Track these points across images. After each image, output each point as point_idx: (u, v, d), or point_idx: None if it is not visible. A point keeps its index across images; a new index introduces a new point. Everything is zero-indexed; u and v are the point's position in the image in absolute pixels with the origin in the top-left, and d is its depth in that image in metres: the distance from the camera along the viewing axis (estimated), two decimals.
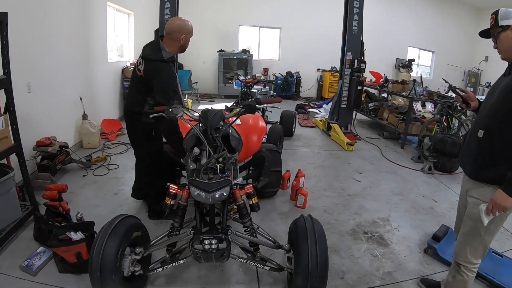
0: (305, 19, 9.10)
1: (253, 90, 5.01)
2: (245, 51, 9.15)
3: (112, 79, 6.11)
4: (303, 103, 8.10)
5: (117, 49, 6.66)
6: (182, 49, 2.55)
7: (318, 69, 9.51)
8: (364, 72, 5.21)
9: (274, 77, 9.14)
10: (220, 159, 1.97)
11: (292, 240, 1.97)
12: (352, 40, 5.16)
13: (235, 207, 2.10)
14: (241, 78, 5.12)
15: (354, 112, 5.65)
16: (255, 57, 9.54)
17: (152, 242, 2.04)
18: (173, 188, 1.95)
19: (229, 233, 1.87)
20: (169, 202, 1.95)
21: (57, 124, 3.99)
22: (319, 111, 6.77)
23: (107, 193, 3.36)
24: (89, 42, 4.81)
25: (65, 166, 3.86)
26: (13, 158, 2.74)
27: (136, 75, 2.51)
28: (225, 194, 1.77)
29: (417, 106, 5.67)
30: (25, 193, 2.80)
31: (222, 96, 9.30)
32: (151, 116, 2.15)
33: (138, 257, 1.91)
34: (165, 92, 2.35)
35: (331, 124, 5.46)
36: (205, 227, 1.94)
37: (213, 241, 1.77)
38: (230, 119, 2.24)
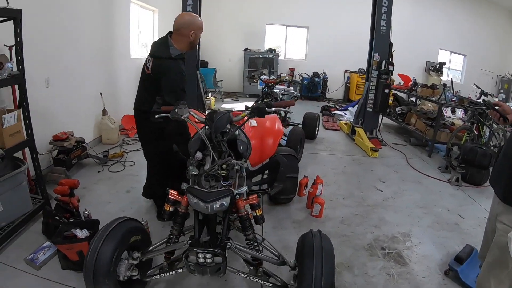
0: (333, 18, 8.90)
1: (275, 90, 4.89)
2: (271, 50, 9.06)
3: (134, 75, 6.18)
4: (328, 104, 7.89)
5: (141, 46, 6.79)
6: (192, 45, 2.48)
7: (346, 70, 9.28)
8: (391, 74, 4.98)
9: (300, 77, 8.97)
10: (224, 166, 1.85)
11: (298, 257, 1.84)
12: (380, 40, 4.95)
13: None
14: (263, 77, 5.03)
15: (380, 116, 5.39)
16: (281, 57, 9.43)
17: (151, 248, 1.98)
18: (172, 194, 1.88)
19: (228, 246, 1.76)
20: (167, 209, 1.88)
21: (75, 119, 4.10)
22: (345, 114, 6.54)
23: (119, 190, 3.40)
24: (111, 38, 4.92)
25: (81, 161, 3.95)
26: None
27: (144, 73, 2.48)
28: (225, 204, 1.67)
29: (447, 112, 5.35)
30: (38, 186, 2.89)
31: (247, 95, 9.28)
32: (156, 116, 2.11)
33: (135, 262, 1.87)
34: (173, 91, 2.30)
35: (355, 128, 5.24)
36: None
37: (208, 255, 1.67)
38: (245, 122, 2.13)
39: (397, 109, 6.23)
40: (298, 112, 5.42)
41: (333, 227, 2.88)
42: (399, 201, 3.44)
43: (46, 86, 3.48)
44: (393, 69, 4.89)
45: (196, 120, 2.12)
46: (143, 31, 6.78)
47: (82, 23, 4.13)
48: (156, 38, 6.93)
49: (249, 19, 9.19)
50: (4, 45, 2.44)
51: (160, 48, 2.38)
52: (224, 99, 8.65)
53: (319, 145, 5.14)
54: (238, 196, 1.78)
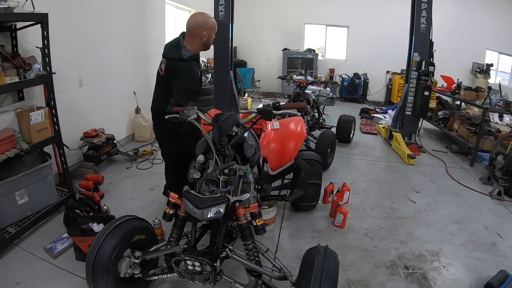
0: (375, 16, 8.46)
1: (307, 91, 4.75)
2: (310, 50, 8.91)
3: None
4: (368, 107, 7.56)
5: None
6: (206, 46, 2.48)
7: (388, 72, 8.81)
8: (432, 75, 4.61)
9: (341, 78, 8.70)
10: (226, 171, 1.82)
11: (299, 273, 1.75)
12: (420, 39, 4.60)
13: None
14: (297, 77, 4.93)
15: (420, 121, 5.02)
16: (321, 57, 9.22)
17: (153, 248, 2.00)
18: (172, 196, 1.88)
19: (223, 255, 1.74)
20: (167, 211, 1.89)
21: (108, 117, 4.36)
22: (384, 117, 6.16)
23: (143, 188, 3.54)
24: (146, 38, 5.17)
25: (112, 157, 4.20)
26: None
27: (159, 75, 2.53)
28: (221, 211, 1.64)
29: (494, 117, 4.79)
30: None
31: (286, 96, 9.14)
32: (166, 117, 2.15)
33: (137, 261, 1.92)
34: (184, 93, 2.31)
35: (393, 133, 4.92)
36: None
37: (196, 263, 1.66)
38: (253, 124, 2.09)
39: (439, 113, 5.77)
40: (335, 115, 5.25)
41: (355, 240, 2.72)
42: (432, 215, 3.15)
43: (79, 85, 3.76)
44: (434, 69, 4.53)
45: (205, 122, 2.13)
46: (180, 31, 7.04)
47: (115, 24, 4.38)
48: None
49: (288, 18, 9.10)
50: (36, 46, 2.66)
51: (172, 49, 2.41)
52: (262, 99, 8.65)
53: (354, 150, 4.92)
54: (238, 203, 1.73)
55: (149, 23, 5.22)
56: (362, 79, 8.64)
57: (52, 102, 2.74)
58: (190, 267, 1.67)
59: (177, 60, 2.36)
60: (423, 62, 4.58)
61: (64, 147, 3.44)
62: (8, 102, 2.76)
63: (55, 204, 2.87)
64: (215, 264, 1.64)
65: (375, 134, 5.73)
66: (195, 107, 2.03)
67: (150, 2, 5.29)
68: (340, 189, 3.13)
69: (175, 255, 1.70)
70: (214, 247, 1.77)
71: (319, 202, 3.28)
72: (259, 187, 2.62)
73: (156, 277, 1.98)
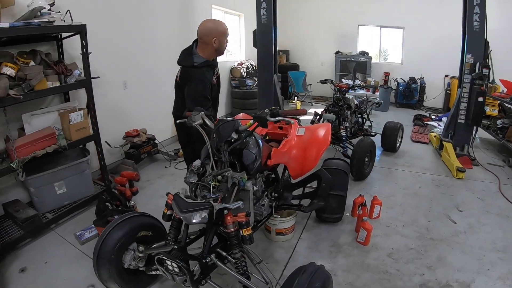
0: (432, 17, 7.72)
1: (349, 96, 4.56)
2: (363, 53, 8.51)
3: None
4: (422, 114, 6.96)
5: (226, 49, 7.34)
6: (219, 52, 2.56)
7: (446, 76, 7.97)
8: (488, 79, 4.10)
9: (396, 83, 8.14)
10: (219, 177, 1.87)
11: None
12: (473, 39, 4.10)
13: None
14: (346, 81, 4.75)
15: (474, 130, 4.47)
16: (375, 60, 8.75)
17: (154, 245, 2.10)
18: (170, 198, 1.97)
19: (208, 261, 1.80)
20: (165, 212, 2.01)
21: (152, 118, 4.73)
22: (439, 125, 5.57)
23: (176, 187, 3.73)
24: (190, 42, 5.48)
25: (154, 156, 4.57)
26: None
27: (176, 81, 2.66)
28: (206, 217, 1.69)
29: None
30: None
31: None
32: (177, 122, 2.32)
33: (140, 255, 2.06)
34: (194, 98, 2.40)
35: (443, 142, 4.44)
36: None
37: (174, 264, 1.74)
38: (253, 130, 2.11)
39: (498, 122, 5.06)
40: (386, 121, 4.98)
41: (376, 259, 2.53)
42: (472, 239, 2.78)
43: (123, 88, 4.19)
44: (490, 73, 3.99)
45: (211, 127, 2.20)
46: (230, 35, 7.30)
47: (161, 30, 4.74)
48: (243, 42, 7.45)
49: (342, 20, 8.82)
50: (80, 53, 3.01)
51: (185, 57, 2.53)
52: (314, 104, 8.52)
53: (399, 159, 4.58)
54: (226, 211, 1.75)
55: (194, 28, 5.54)
56: (419, 84, 8.00)
57: (91, 104, 3.08)
58: (170, 267, 1.76)
59: (189, 67, 2.48)
60: (477, 65, 4.09)
61: (106, 144, 3.89)
62: (56, 103, 3.21)
63: (92, 196, 3.23)
64: (193, 268, 1.71)
65: (426, 143, 5.23)
66: (202, 112, 2.11)
67: (196, 7, 5.61)
68: (365, 203, 2.95)
69: (157, 254, 1.82)
70: (201, 251, 1.84)
71: (347, 214, 3.18)
72: (276, 194, 2.66)
73: (154, 272, 2.09)
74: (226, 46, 2.60)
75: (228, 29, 2.56)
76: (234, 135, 2.03)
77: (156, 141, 4.51)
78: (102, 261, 1.97)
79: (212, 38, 2.44)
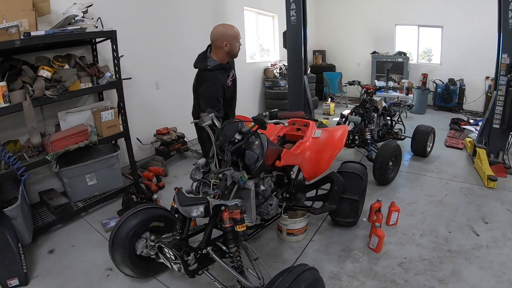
0: (472, 15, 7.16)
1: (376, 98, 4.43)
2: (400, 53, 8.12)
3: (251, 79, 6.93)
4: (460, 117, 6.49)
5: (261, 50, 7.44)
6: (231, 55, 2.66)
7: (487, 77, 7.31)
8: None
9: (434, 84, 7.67)
10: (220, 175, 1.98)
11: None
12: (509, 37, 3.78)
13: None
14: (379, 83, 4.62)
15: (510, 136, 4.11)
16: (413, 61, 8.32)
17: (163, 236, 2.27)
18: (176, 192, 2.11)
19: (203, 252, 1.93)
20: (173, 205, 2.16)
21: (182, 117, 4.88)
22: (476, 130, 5.16)
23: None
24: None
25: (184, 153, 4.81)
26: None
27: (193, 83, 2.83)
28: (202, 211, 1.81)
29: None
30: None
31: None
32: (190, 122, 2.50)
33: (152, 243, 2.21)
34: (207, 100, 2.54)
35: (477, 148, 4.14)
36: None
37: (170, 252, 1.88)
38: (254, 132, 2.17)
39: None
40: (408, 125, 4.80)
41: (385, 268, 2.47)
42: (494, 253, 2.58)
43: (156, 89, 4.47)
44: None
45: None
46: (263, 36, 7.41)
47: (192, 33, 4.93)
48: (277, 42, 7.52)
49: (378, 20, 8.49)
50: (120, 56, 3.27)
51: (200, 60, 2.67)
52: (349, 105, 8.30)
53: (428, 165, 4.35)
54: (223, 207, 1.86)
55: None
56: (458, 86, 7.46)
57: (121, 103, 3.34)
58: (167, 255, 1.91)
59: (203, 70, 2.63)
60: None
61: (138, 141, 4.18)
62: (90, 102, 3.54)
63: (120, 189, 3.50)
64: (187, 257, 1.84)
65: (461, 149, 4.91)
66: (211, 114, 2.25)
67: (227, 9, 5.77)
68: (380, 209, 2.88)
69: (159, 241, 1.98)
70: (200, 243, 1.97)
71: (364, 220, 3.13)
72: (287, 195, 2.71)
73: (161, 260, 2.27)
74: (238, 49, 2.70)
75: (239, 33, 2.65)
76: (238, 136, 2.12)
77: (185, 139, 4.73)
78: (116, 246, 2.18)
79: (223, 42, 2.56)
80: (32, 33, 2.58)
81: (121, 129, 3.41)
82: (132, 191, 3.38)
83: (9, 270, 2.36)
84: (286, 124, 2.22)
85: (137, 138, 4.21)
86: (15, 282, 2.37)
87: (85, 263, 2.63)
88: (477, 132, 5.10)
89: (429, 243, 2.75)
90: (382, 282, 2.34)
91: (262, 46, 7.72)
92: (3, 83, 2.55)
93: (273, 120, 2.00)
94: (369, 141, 4.13)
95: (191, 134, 4.95)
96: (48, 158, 2.83)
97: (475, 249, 2.65)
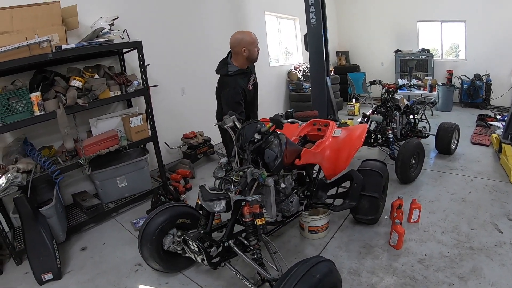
0: (496, 7, 6.89)
1: (397, 96, 4.41)
2: (424, 50, 7.95)
3: (275, 82, 7.05)
4: (487, 113, 6.26)
5: (283, 53, 7.55)
6: (250, 60, 2.78)
7: None
8: None
9: (460, 81, 7.44)
10: (241, 173, 2.11)
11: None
12: None
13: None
14: (402, 81, 4.61)
15: None
16: (438, 58, 8.11)
17: (190, 231, 2.39)
18: None
19: (225, 245, 2.06)
20: (198, 202, 2.29)
21: (207, 121, 5.03)
22: (503, 125, 4.98)
23: None
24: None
25: (210, 157, 5.01)
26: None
27: (216, 89, 2.98)
28: (224, 206, 1.94)
29: None
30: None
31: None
32: (214, 124, 2.65)
33: (178, 239, 2.36)
34: (228, 104, 2.69)
35: (502, 144, 4.02)
36: None
37: (194, 244, 2.02)
38: (272, 132, 2.27)
39: None
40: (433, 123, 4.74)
41: (404, 264, 2.49)
42: None
43: (182, 94, 4.70)
44: None
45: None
46: (286, 40, 7.52)
47: (214, 39, 5.13)
48: (299, 45, 7.62)
49: (400, 17, 8.38)
50: (147, 64, 3.49)
51: (221, 66, 2.82)
52: (373, 105, 8.19)
53: (452, 162, 4.28)
54: (244, 202, 1.97)
55: None
56: (484, 81, 7.20)
57: (148, 109, 3.53)
58: (191, 247, 2.06)
59: (224, 75, 2.78)
60: None
61: (166, 145, 4.40)
62: (120, 109, 3.79)
63: (149, 190, 3.70)
64: (210, 249, 1.98)
65: (487, 145, 4.77)
66: (233, 116, 2.37)
67: (248, 15, 5.94)
68: (400, 206, 2.91)
69: (182, 235, 2.13)
70: (222, 236, 2.11)
71: (386, 217, 3.16)
72: (308, 193, 2.81)
73: (188, 255, 2.40)
74: (257, 54, 2.82)
75: (256, 38, 2.77)
76: (257, 136, 2.24)
77: (212, 143, 4.91)
78: (145, 241, 2.35)
79: (241, 48, 2.69)
80: (63, 46, 2.82)
81: (150, 134, 3.61)
82: (161, 192, 3.58)
83: (44, 265, 2.57)
84: (301, 123, 2.32)
85: (165, 143, 4.44)
86: (49, 276, 2.57)
87: (115, 259, 2.83)
88: (503, 127, 4.97)
89: (450, 240, 2.73)
90: (401, 278, 2.35)
91: (287, 49, 7.85)
92: (38, 93, 2.79)
93: (289, 120, 2.11)
94: (391, 139, 4.13)
95: (217, 137, 5.13)
96: (81, 162, 3.06)
97: (498, 246, 2.61)
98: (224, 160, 2.29)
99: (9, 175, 2.65)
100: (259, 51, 2.82)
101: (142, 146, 3.83)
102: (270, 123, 2.21)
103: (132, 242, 3.00)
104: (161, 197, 3.50)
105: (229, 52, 2.83)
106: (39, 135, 3.34)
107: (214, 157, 5.11)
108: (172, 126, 4.61)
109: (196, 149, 4.67)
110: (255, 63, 2.97)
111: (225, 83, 2.76)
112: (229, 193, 2.00)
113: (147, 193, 3.70)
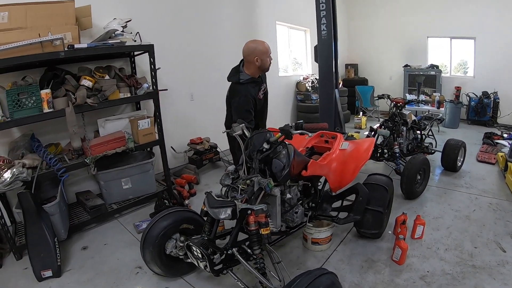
0: (505, 26, 7.02)
1: (405, 111, 4.48)
2: (433, 66, 8.04)
3: (283, 92, 7.13)
4: (494, 131, 6.31)
5: (293, 63, 7.63)
6: (262, 69, 2.84)
7: None
8: None
9: (468, 98, 7.51)
10: (248, 181, 2.15)
11: None
12: None
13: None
14: (412, 96, 4.65)
15: None
16: (446, 74, 8.21)
17: (193, 237, 2.40)
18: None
19: (229, 252, 2.08)
20: (203, 208, 2.35)
21: (214, 127, 5.08)
22: (509, 144, 5.02)
23: None
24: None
25: (216, 163, 5.07)
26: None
27: (226, 95, 3.03)
28: (230, 214, 1.98)
29: None
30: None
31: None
32: (222, 131, 2.69)
33: (181, 244, 2.38)
34: (238, 112, 2.74)
35: (508, 163, 4.03)
36: None
37: (198, 250, 2.05)
38: (281, 142, 2.31)
39: None
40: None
41: (406, 280, 2.50)
42: None
43: (190, 100, 4.77)
44: None
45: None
46: (295, 50, 7.63)
47: (225, 47, 5.24)
48: (309, 56, 7.74)
49: (410, 32, 8.53)
50: (157, 68, 3.56)
51: (233, 74, 2.88)
52: (380, 119, 8.25)
53: (458, 180, 4.30)
54: (250, 211, 2.01)
55: None
56: (492, 99, 7.28)
57: (157, 113, 3.58)
58: (195, 253, 2.09)
59: (235, 83, 2.83)
60: None
61: (172, 149, 4.44)
62: (128, 111, 3.84)
63: (153, 194, 3.74)
64: (213, 256, 2.01)
65: (493, 163, 4.80)
66: (242, 124, 2.42)
67: (260, 24, 6.05)
68: (404, 221, 2.92)
69: (186, 241, 2.15)
70: (227, 243, 2.13)
71: (389, 232, 3.18)
72: (313, 205, 2.84)
73: (190, 260, 2.41)
74: (269, 63, 2.87)
75: (269, 48, 2.82)
76: (266, 145, 2.28)
77: (218, 149, 4.97)
78: (147, 244, 2.37)
79: (254, 57, 2.74)
80: (76, 46, 2.88)
81: (157, 137, 3.66)
82: (165, 196, 3.62)
83: (44, 262, 2.59)
84: (310, 134, 2.36)
85: (171, 147, 4.50)
86: (48, 273, 2.60)
87: (116, 261, 2.85)
88: (509, 146, 5.00)
89: (453, 258, 2.75)
90: None
91: (296, 60, 7.96)
92: (48, 91, 2.84)
93: (299, 131, 2.16)
94: (397, 154, 4.17)
95: (223, 144, 5.19)
96: (87, 161, 3.11)
97: (500, 266, 2.63)
98: (231, 167, 2.32)
99: (14, 169, 2.68)
100: (271, 61, 2.88)
101: (148, 149, 3.88)
102: (280, 133, 2.25)
103: (134, 244, 3.03)
104: (165, 201, 3.54)
105: (242, 60, 2.89)
106: (46, 132, 3.39)
107: (219, 164, 5.17)
108: (179, 131, 4.67)
109: (202, 155, 4.72)
110: (266, 73, 3.02)
111: (236, 91, 2.82)
112: (235, 201, 2.03)
113: (151, 196, 3.74)
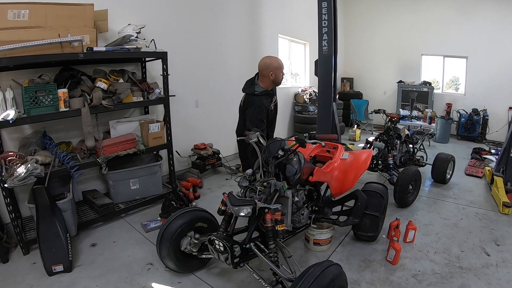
0: (496, 46, 7.67)
1: (399, 126, 4.94)
2: (425, 83, 8.65)
3: (281, 103, 7.23)
4: (482, 147, 6.89)
5: (292, 76, 8.06)
6: (276, 83, 3.19)
7: (510, 108, 7.75)
8: None
9: (458, 114, 8.11)
10: (265, 184, 2.47)
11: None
12: None
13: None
14: (405, 111, 5.07)
15: None
16: (438, 90, 8.83)
17: (208, 235, 2.67)
18: (225, 196, 2.57)
19: (246, 246, 2.39)
20: (221, 207, 2.63)
21: (218, 134, 5.53)
22: (496, 159, 5.56)
23: None
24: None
25: (217, 168, 5.39)
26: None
27: (240, 105, 3.34)
28: (250, 211, 2.27)
29: None
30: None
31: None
32: (237, 139, 3.02)
33: (196, 241, 2.68)
34: (252, 121, 3.05)
35: (494, 177, 4.50)
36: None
37: (220, 243, 2.35)
38: (295, 149, 2.63)
39: None
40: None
41: (400, 278, 2.84)
42: (502, 272, 2.91)
43: (195, 106, 5.10)
44: None
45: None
46: (295, 62, 8.10)
47: (231, 57, 5.61)
48: (307, 69, 8.20)
49: (404, 50, 9.11)
50: (160, 74, 3.83)
51: (248, 86, 3.20)
52: (374, 132, 8.80)
53: (447, 191, 4.73)
54: (267, 210, 2.33)
55: (261, 55, 6.33)
56: (481, 116, 7.90)
57: (167, 118, 3.85)
58: (217, 246, 2.38)
59: (250, 94, 3.15)
60: None
61: (177, 154, 4.70)
62: (136, 114, 4.11)
63: (159, 195, 4.00)
64: (234, 248, 2.31)
65: (480, 177, 5.28)
66: (257, 132, 2.74)
67: (263, 37, 6.44)
68: (398, 226, 3.27)
69: (209, 235, 2.45)
70: (245, 238, 2.44)
71: (383, 236, 3.54)
72: (316, 208, 3.20)
73: (204, 256, 2.71)
74: (282, 78, 3.23)
75: (283, 64, 3.17)
76: (281, 152, 2.62)
77: (220, 155, 5.29)
78: (164, 240, 2.63)
79: (269, 72, 3.09)
80: (95, 48, 3.11)
81: (165, 141, 3.92)
82: (172, 198, 3.87)
83: (55, 257, 2.73)
84: (323, 144, 2.73)
85: (176, 151, 4.76)
86: (59, 268, 2.75)
87: (127, 257, 3.07)
88: (496, 161, 5.50)
89: (442, 260, 3.11)
90: None
91: (296, 72, 8.42)
92: (65, 90, 3.03)
93: (312, 140, 2.53)
94: (391, 166, 4.59)
95: (225, 151, 5.52)
96: (99, 161, 3.33)
97: (485, 267, 3.00)
98: (249, 171, 2.64)
99: (29, 165, 2.80)
100: (283, 76, 3.24)
101: (154, 152, 4.13)
102: (294, 142, 2.60)
103: (143, 243, 3.28)
104: (172, 202, 3.79)
105: (257, 74, 3.22)
106: (58, 130, 3.58)
107: (220, 170, 5.50)
108: (184, 136, 4.96)
109: (205, 160, 5.03)
110: (277, 86, 3.36)
111: (251, 102, 3.13)
112: (255, 200, 2.35)
113: (157, 197, 4.00)
